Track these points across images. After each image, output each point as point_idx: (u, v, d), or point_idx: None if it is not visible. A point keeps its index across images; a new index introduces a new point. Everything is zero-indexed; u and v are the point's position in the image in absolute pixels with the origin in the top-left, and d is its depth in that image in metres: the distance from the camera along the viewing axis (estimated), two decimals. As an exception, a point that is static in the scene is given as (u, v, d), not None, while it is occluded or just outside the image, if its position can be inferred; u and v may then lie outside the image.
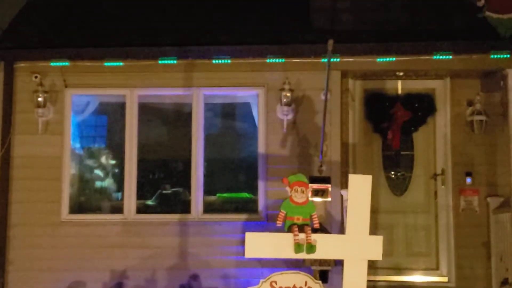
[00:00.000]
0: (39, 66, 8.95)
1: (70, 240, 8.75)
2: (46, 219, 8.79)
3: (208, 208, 8.95)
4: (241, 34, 9.07)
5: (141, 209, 9.02)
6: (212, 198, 9.24)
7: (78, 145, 9.44)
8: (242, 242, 5.20)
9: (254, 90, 8.99)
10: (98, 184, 9.61)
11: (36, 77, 8.86)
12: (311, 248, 5.01)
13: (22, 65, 8.99)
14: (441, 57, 8.61)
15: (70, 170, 9.02)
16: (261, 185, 8.79)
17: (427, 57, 8.66)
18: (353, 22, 9.10)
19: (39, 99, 8.79)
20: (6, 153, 8.82)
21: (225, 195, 9.37)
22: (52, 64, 8.91)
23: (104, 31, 9.29)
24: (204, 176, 8.98)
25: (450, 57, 8.63)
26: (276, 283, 5.16)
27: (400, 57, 8.72)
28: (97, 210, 9.30)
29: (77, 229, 8.80)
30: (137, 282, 8.61)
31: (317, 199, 7.41)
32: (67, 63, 8.88)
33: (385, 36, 8.82)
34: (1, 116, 8.92)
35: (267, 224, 8.54)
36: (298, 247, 4.99)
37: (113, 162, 9.59)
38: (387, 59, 8.73)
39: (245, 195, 9.27)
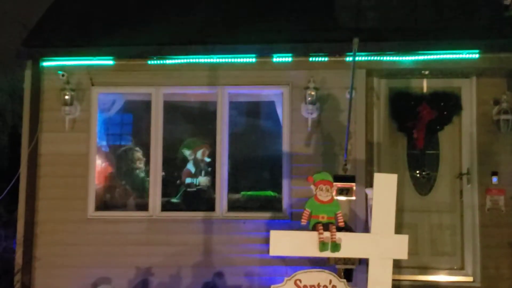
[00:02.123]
0: (66, 64, 9.03)
1: (96, 237, 8.83)
2: (72, 216, 8.88)
3: (233, 206, 8.98)
4: (265, 32, 9.08)
5: (166, 207, 9.06)
6: (236, 196, 9.26)
7: (104, 143, 9.51)
8: (266, 240, 5.23)
9: (279, 89, 9.00)
10: (123, 181, 9.66)
11: (63, 75, 8.93)
12: (336, 246, 5.02)
13: (49, 63, 9.07)
14: (467, 56, 8.57)
15: (96, 167, 9.09)
16: (285, 183, 8.80)
17: (453, 56, 8.62)
18: (378, 20, 9.07)
19: (66, 97, 8.87)
20: (34, 151, 8.91)
21: (249, 193, 9.38)
22: (78, 62, 9.00)
23: (130, 30, 9.35)
24: (229, 174, 9.02)
25: (477, 55, 8.58)
26: (300, 281, 5.17)
27: (425, 55, 8.68)
28: (123, 207, 9.37)
29: (103, 226, 8.88)
30: (162, 279, 8.67)
31: (342, 198, 7.39)
32: (93, 62, 8.96)
33: (411, 34, 8.78)
34: (28, 114, 9.01)
35: (291, 222, 8.56)
36: (323, 246, 4.99)
37: (138, 159, 9.63)
38: (413, 57, 8.70)
39: (270, 193, 9.28)
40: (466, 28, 8.82)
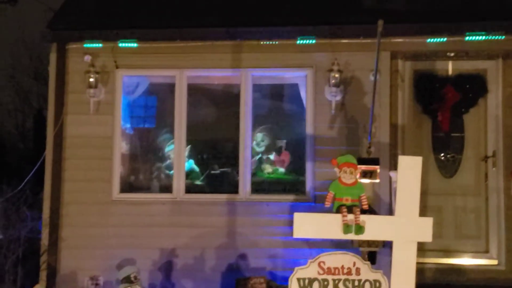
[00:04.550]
0: (91, 47, 9.07)
1: (120, 219, 8.90)
2: (97, 198, 8.95)
3: (256, 188, 9.00)
4: (289, 15, 9.05)
5: (190, 189, 9.11)
6: (260, 178, 9.29)
7: (128, 125, 9.56)
8: (290, 223, 5.25)
9: (303, 71, 8.98)
10: (148, 163, 9.71)
11: (87, 58, 8.98)
12: (359, 229, 5.04)
13: (74, 46, 9.11)
14: (493, 37, 8.49)
15: (121, 149, 9.16)
16: (309, 166, 8.80)
17: (479, 37, 8.53)
18: (403, 2, 9.00)
19: (91, 79, 8.91)
20: (59, 133, 8.98)
21: (272, 176, 9.39)
22: (103, 44, 9.04)
23: (154, 12, 9.38)
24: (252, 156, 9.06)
25: (503, 37, 8.49)
26: (324, 263, 5.20)
27: (451, 37, 8.61)
28: (147, 189, 9.43)
29: (127, 207, 8.94)
30: (186, 261, 8.73)
31: (366, 181, 7.39)
32: (117, 44, 8.99)
33: (436, 16, 8.72)
34: (54, 97, 9.07)
35: (314, 205, 8.57)
36: (346, 228, 5.02)
37: (162, 142, 9.68)
38: (438, 39, 8.63)
39: (293, 176, 9.29)
40: (492, 8, 8.73)
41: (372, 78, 8.28)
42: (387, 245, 6.93)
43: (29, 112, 24.56)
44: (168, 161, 9.43)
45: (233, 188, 9.00)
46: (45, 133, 9.20)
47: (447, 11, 8.76)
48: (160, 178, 9.50)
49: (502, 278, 8.56)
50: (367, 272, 5.20)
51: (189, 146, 9.37)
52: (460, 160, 9.04)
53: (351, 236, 5.09)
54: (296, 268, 5.23)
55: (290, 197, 8.82)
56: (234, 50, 8.97)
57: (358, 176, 5.31)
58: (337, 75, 8.60)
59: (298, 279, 5.19)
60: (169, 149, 9.38)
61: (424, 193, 7.79)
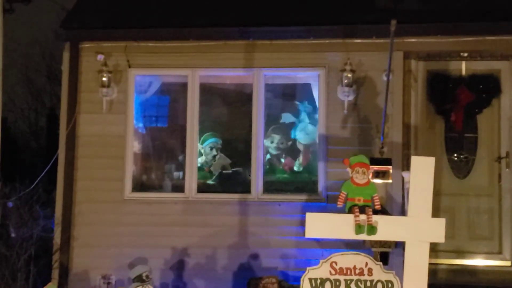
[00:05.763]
0: (103, 46, 9.10)
1: (132, 218, 8.91)
2: (109, 197, 8.97)
3: (268, 188, 8.99)
4: (302, 14, 9.04)
5: (202, 188, 9.11)
6: (272, 178, 9.27)
7: (141, 125, 9.58)
8: (302, 223, 5.25)
9: (315, 71, 8.96)
10: (160, 163, 9.72)
11: (100, 57, 9.01)
12: (372, 229, 5.02)
13: (87, 45, 9.15)
14: (507, 37, 8.44)
15: (133, 148, 9.17)
16: (321, 166, 8.79)
17: (493, 38, 8.49)
18: (416, 2, 8.97)
19: (104, 79, 8.93)
20: (72, 132, 9.01)
21: (285, 175, 9.38)
22: (116, 43, 9.06)
23: (167, 11, 9.38)
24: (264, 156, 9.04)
25: (517, 37, 8.47)
26: (336, 263, 5.19)
27: (464, 37, 8.57)
28: (159, 188, 9.44)
29: (139, 206, 8.95)
30: (198, 260, 8.73)
31: (378, 181, 7.37)
32: (130, 44, 9.00)
33: (449, 16, 8.68)
34: (66, 96, 9.11)
35: (326, 205, 8.55)
36: (359, 228, 5.00)
37: (174, 141, 9.69)
38: (451, 39, 8.59)
39: (305, 176, 9.27)
40: (506, 8, 8.69)
41: (385, 78, 8.26)
42: (400, 245, 6.93)
43: (42, 111, 24.67)
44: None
45: (245, 188, 8.99)
46: (58, 132, 9.25)
47: (460, 11, 8.72)
48: (172, 177, 9.51)
49: (515, 280, 8.53)
50: (379, 273, 5.18)
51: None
52: (473, 161, 8.99)
53: (363, 237, 5.07)
54: (308, 268, 5.22)
55: (302, 197, 8.80)
56: (246, 50, 8.97)
57: (370, 176, 5.29)
58: (349, 75, 8.58)
59: (310, 279, 5.18)
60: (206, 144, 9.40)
61: (437, 194, 7.79)
